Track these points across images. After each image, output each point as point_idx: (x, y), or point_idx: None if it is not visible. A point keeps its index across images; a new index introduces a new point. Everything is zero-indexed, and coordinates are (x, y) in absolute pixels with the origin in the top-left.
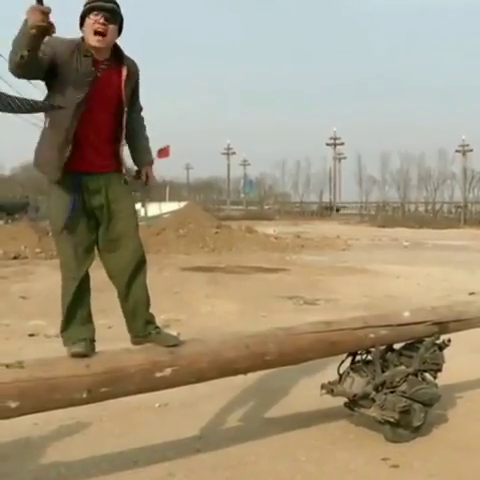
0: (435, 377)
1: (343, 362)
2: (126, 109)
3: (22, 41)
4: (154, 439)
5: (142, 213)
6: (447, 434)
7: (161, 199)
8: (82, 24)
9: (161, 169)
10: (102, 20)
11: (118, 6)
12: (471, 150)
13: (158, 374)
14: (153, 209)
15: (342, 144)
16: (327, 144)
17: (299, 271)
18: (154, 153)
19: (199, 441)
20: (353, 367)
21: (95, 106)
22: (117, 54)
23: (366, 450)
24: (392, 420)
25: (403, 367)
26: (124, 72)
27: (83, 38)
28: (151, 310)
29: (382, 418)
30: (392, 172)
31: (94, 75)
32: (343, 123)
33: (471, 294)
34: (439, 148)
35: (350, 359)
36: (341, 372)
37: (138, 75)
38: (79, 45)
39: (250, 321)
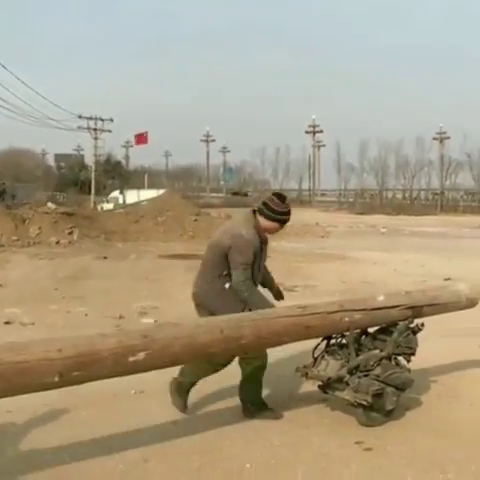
0: (409, 361)
1: (318, 346)
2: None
3: None
4: (129, 426)
5: (120, 200)
6: (420, 417)
7: (140, 186)
8: (263, 211)
9: (139, 156)
10: (279, 227)
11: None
12: (448, 138)
13: (131, 358)
14: (131, 196)
15: (321, 132)
16: (306, 132)
17: (278, 258)
18: (132, 140)
19: (174, 427)
20: (328, 350)
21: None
22: None
23: (340, 434)
24: (365, 403)
25: (377, 351)
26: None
27: (255, 215)
28: (130, 297)
29: (355, 401)
30: (370, 160)
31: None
32: (322, 111)
33: (447, 279)
34: (417, 136)
35: (325, 343)
36: (316, 355)
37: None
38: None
39: None
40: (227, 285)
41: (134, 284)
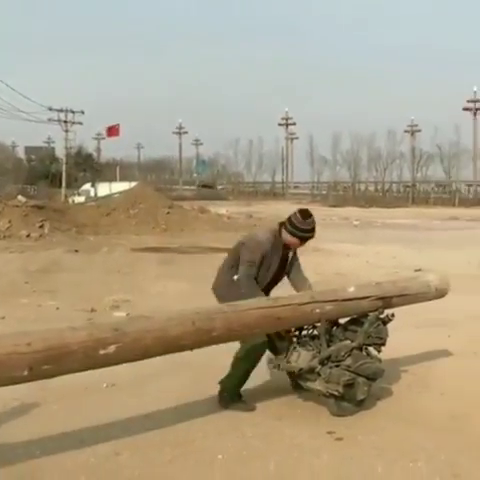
0: (379, 351)
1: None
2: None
3: None
4: (101, 419)
5: (92, 193)
6: (390, 407)
7: (111, 179)
8: (286, 225)
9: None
10: (299, 243)
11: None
12: (419, 130)
13: (102, 351)
14: (103, 189)
15: (294, 124)
16: (279, 124)
17: None
18: (104, 132)
19: (146, 420)
20: (299, 342)
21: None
22: None
23: (311, 424)
24: (336, 393)
25: (348, 341)
26: (291, 253)
27: (281, 227)
28: (102, 291)
29: (327, 391)
30: (343, 152)
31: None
32: (295, 103)
33: (417, 270)
34: (388, 128)
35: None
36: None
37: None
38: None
39: (201, 300)
40: (235, 277)
41: (106, 277)
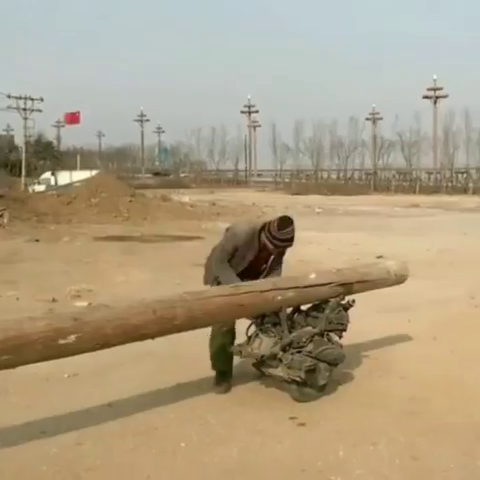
0: (340, 337)
1: (252, 324)
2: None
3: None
4: (63, 409)
5: (52, 182)
6: (352, 392)
7: (72, 167)
8: (265, 230)
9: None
10: (275, 250)
11: (293, 239)
12: (381, 118)
13: (61, 341)
14: (64, 178)
15: (256, 112)
16: (242, 112)
17: (215, 239)
18: (64, 120)
19: (108, 409)
20: (261, 328)
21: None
22: None
23: (274, 410)
24: (298, 379)
25: (309, 328)
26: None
27: (260, 234)
28: (63, 281)
29: (289, 377)
30: (305, 140)
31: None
32: (257, 90)
33: (379, 257)
34: (350, 116)
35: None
36: (249, 334)
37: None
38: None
39: (165, 289)
40: None
41: (67, 267)
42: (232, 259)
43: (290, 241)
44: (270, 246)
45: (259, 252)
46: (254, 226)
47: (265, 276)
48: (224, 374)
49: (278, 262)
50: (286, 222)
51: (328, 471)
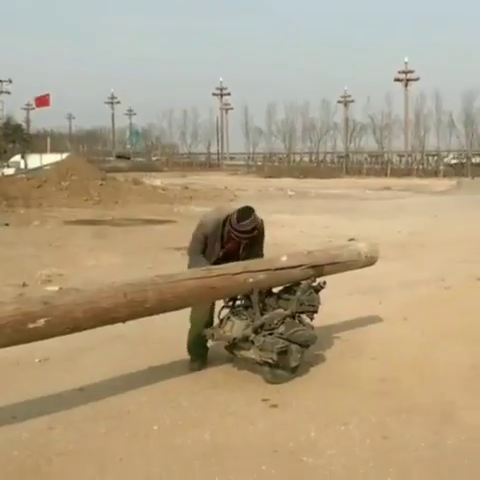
0: (312, 319)
1: (224, 307)
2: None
3: None
4: (34, 394)
5: (22, 165)
6: (324, 373)
7: (42, 150)
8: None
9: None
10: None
11: (256, 229)
12: (352, 101)
13: (31, 325)
14: (33, 161)
15: (228, 94)
16: (214, 94)
17: (187, 223)
18: (33, 102)
19: (80, 393)
20: (233, 311)
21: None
22: None
23: (247, 392)
24: (270, 361)
25: (281, 310)
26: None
27: (225, 223)
28: (33, 265)
29: (261, 359)
30: (278, 123)
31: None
32: (229, 73)
33: (351, 240)
34: (322, 99)
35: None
36: (221, 317)
37: (258, 237)
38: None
39: (136, 273)
40: None
41: (38, 251)
42: (206, 249)
43: (249, 233)
44: (231, 236)
45: (226, 243)
46: (221, 216)
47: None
48: (200, 356)
49: (255, 253)
50: (246, 214)
51: (300, 452)
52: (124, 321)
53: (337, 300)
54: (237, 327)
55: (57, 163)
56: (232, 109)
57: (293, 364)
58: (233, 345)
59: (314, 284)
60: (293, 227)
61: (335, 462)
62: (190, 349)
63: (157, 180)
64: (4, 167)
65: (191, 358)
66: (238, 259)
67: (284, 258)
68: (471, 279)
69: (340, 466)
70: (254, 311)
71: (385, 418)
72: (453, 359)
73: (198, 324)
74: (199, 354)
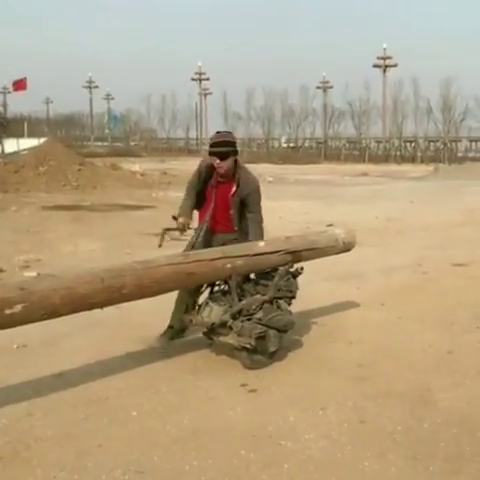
0: (290, 304)
1: (202, 293)
2: (232, 212)
3: None
4: (12, 380)
5: None
6: (302, 358)
7: (19, 135)
8: None
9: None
10: (217, 161)
11: (229, 145)
12: (331, 87)
13: (7, 311)
14: (11, 146)
15: (207, 79)
16: (192, 79)
17: (165, 208)
18: (10, 86)
19: (59, 379)
20: (211, 297)
21: (217, 204)
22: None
23: (226, 378)
24: (249, 346)
25: (259, 295)
26: (233, 188)
27: None
28: (10, 251)
29: (239, 345)
30: (257, 108)
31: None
32: (208, 58)
33: (329, 226)
34: (301, 84)
35: (209, 290)
36: (200, 302)
37: (249, 191)
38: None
39: (114, 259)
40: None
41: (15, 237)
42: (202, 201)
43: (220, 145)
44: (213, 159)
45: (217, 183)
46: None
47: (242, 231)
48: (172, 329)
49: (252, 218)
50: (223, 131)
51: (278, 436)
52: (102, 307)
53: (315, 285)
54: (215, 312)
55: (35, 148)
56: (211, 94)
57: (271, 349)
58: (211, 330)
59: (292, 270)
60: (271, 213)
61: (313, 446)
62: (172, 315)
63: (135, 165)
64: None
65: (164, 331)
66: (228, 217)
67: (262, 244)
68: (447, 264)
69: (318, 450)
70: (232, 297)
71: (362, 402)
72: (430, 344)
73: (185, 292)
74: (173, 325)
